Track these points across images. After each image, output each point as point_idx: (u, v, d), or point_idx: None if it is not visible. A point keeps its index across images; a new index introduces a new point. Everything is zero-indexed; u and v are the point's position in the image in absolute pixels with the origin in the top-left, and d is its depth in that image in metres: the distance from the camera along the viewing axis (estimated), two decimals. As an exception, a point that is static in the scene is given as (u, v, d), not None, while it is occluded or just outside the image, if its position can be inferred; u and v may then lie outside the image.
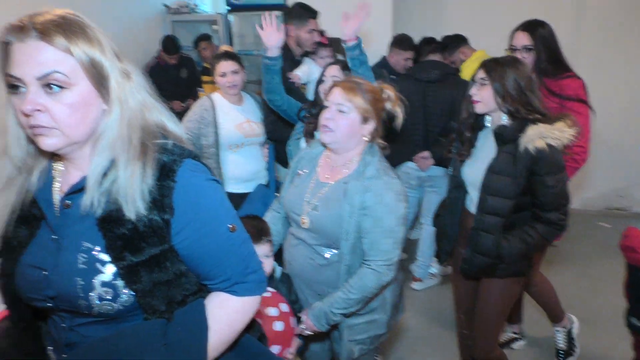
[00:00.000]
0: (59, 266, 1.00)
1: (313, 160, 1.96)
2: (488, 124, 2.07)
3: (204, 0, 5.58)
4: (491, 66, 1.96)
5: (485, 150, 2.05)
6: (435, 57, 3.46)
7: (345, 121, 1.78)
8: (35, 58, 0.91)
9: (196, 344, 1.02)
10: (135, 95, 1.02)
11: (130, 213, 0.96)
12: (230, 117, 2.85)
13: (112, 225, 0.98)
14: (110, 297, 0.99)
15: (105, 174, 0.98)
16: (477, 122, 2.09)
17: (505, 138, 1.94)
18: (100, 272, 0.98)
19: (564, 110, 2.28)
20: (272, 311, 1.71)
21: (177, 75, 4.81)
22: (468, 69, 3.74)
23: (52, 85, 0.92)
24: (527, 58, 2.41)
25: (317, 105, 2.50)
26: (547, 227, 1.95)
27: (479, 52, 3.86)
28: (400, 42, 3.80)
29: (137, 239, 0.99)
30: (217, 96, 2.90)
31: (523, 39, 2.44)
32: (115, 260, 0.98)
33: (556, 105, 2.36)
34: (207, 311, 1.07)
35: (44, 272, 1.02)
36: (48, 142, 0.95)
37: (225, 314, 1.09)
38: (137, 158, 0.98)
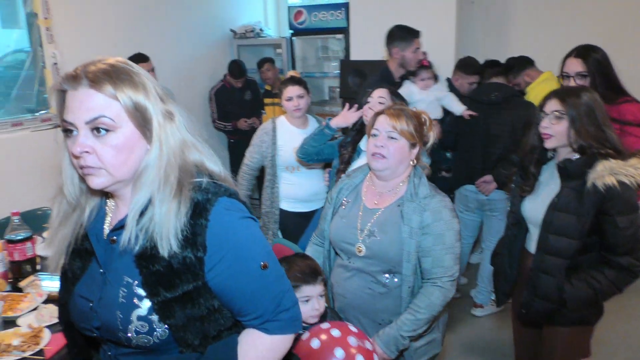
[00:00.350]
0: (103, 299, 1.06)
1: (355, 189, 1.96)
2: (552, 157, 1.94)
3: (268, 24, 5.77)
4: (567, 97, 1.81)
5: (548, 185, 1.91)
6: (499, 79, 3.39)
7: (396, 147, 1.79)
8: (85, 104, 0.97)
9: None
10: (175, 135, 1.05)
11: (163, 251, 0.99)
12: (290, 139, 2.94)
13: (147, 262, 1.02)
14: (146, 331, 1.02)
15: (143, 212, 1.01)
16: (542, 155, 1.95)
17: (571, 173, 1.80)
18: (138, 306, 1.02)
19: (625, 135, 2.13)
20: (368, 345, 1.65)
21: (241, 97, 4.97)
22: (534, 91, 3.61)
23: (99, 129, 0.97)
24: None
25: (355, 129, 2.51)
26: (618, 272, 1.77)
27: (546, 73, 3.72)
28: (466, 66, 3.77)
29: (171, 276, 1.01)
30: (281, 119, 3.04)
31: (576, 66, 2.31)
32: (150, 296, 1.02)
33: (617, 131, 2.21)
34: (239, 348, 1.09)
35: (90, 304, 1.07)
36: (96, 181, 1.01)
37: (255, 352, 1.10)
38: (173, 196, 1.01)
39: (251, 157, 3.03)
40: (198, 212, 1.02)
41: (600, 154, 1.75)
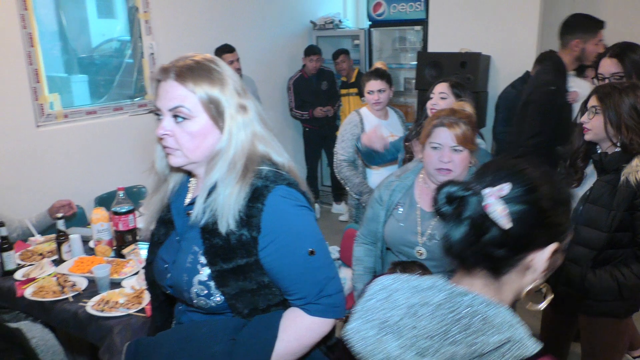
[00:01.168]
0: (176, 262, 1.22)
1: (408, 192, 1.97)
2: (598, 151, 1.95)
3: (347, 16, 5.87)
4: (605, 93, 1.83)
5: (591, 178, 1.93)
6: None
7: (461, 158, 1.81)
8: (170, 94, 1.14)
9: (262, 347, 1.15)
10: (247, 127, 1.18)
11: (222, 228, 1.13)
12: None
13: (210, 235, 1.16)
14: (204, 294, 1.17)
15: (210, 192, 1.15)
16: (590, 149, 1.95)
17: (606, 166, 1.81)
18: (199, 272, 1.17)
19: None
20: None
21: (318, 87, 5.12)
22: None
23: (178, 116, 1.14)
24: None
25: (419, 123, 2.53)
26: None
27: None
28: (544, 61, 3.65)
29: (228, 250, 1.15)
30: (364, 111, 3.12)
31: (611, 67, 2.23)
32: (210, 264, 1.16)
33: None
34: (282, 322, 1.18)
35: (166, 265, 1.25)
36: (173, 160, 1.18)
37: (295, 328, 1.18)
38: (237, 182, 1.14)
39: (345, 152, 3.05)
40: (256, 197, 1.14)
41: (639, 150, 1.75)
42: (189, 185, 1.30)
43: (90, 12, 3.87)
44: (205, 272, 1.17)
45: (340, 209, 5.45)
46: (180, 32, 4.05)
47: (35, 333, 1.67)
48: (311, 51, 5.00)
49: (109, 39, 4.06)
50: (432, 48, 4.57)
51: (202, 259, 1.17)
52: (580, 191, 1.94)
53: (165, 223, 1.31)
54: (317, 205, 5.51)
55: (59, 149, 3.40)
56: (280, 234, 1.15)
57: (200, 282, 1.17)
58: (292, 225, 1.17)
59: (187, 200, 1.27)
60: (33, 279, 2.21)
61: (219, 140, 1.16)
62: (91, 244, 2.60)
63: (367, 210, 2.08)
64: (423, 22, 4.85)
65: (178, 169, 1.26)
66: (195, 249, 1.19)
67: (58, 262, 2.40)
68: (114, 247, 2.50)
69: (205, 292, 1.17)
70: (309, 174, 5.47)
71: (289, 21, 5.29)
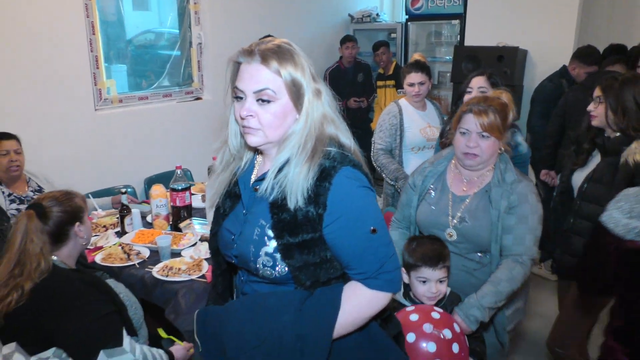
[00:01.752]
0: (242, 234, 1.28)
1: (441, 177, 2.04)
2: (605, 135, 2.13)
3: (384, 10, 5.97)
4: (608, 84, 2.03)
5: (595, 161, 2.12)
6: (616, 68, 3.29)
7: (487, 145, 1.87)
8: (255, 77, 1.18)
9: (326, 317, 1.20)
10: (319, 110, 1.23)
11: (291, 204, 1.18)
12: (415, 122, 3.14)
13: (278, 210, 1.20)
14: (270, 265, 1.22)
15: (281, 169, 1.20)
16: (598, 134, 2.13)
17: (608, 149, 1.99)
18: (266, 244, 1.22)
19: None
20: (447, 333, 1.65)
21: (354, 79, 5.25)
22: None
23: (263, 99, 1.18)
24: None
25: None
26: None
27: None
28: (585, 55, 3.66)
29: (295, 225, 1.19)
30: (403, 102, 3.22)
31: None
32: (277, 238, 1.21)
33: None
34: (343, 295, 1.23)
35: (232, 236, 1.31)
36: (253, 139, 1.22)
37: (356, 300, 1.23)
38: (306, 161, 1.18)
39: (383, 141, 3.14)
40: (324, 176, 1.18)
41: (639, 135, 1.92)
42: (255, 162, 1.36)
43: (142, 4, 4.09)
44: (272, 245, 1.22)
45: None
46: (226, 23, 4.23)
47: (121, 289, 1.87)
48: (347, 39, 5.13)
49: (160, 31, 4.25)
50: (469, 42, 4.65)
51: (269, 232, 1.22)
52: (585, 171, 2.13)
53: (232, 196, 1.37)
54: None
55: (113, 132, 3.62)
56: (345, 212, 1.19)
57: (267, 254, 1.22)
58: (356, 204, 1.21)
59: (254, 177, 1.33)
60: (101, 247, 2.42)
61: (295, 121, 1.22)
62: (148, 218, 2.81)
63: (402, 195, 2.17)
64: (460, 17, 4.93)
65: (250, 147, 1.31)
66: (262, 222, 1.24)
67: (120, 233, 2.61)
68: (170, 222, 2.69)
69: (271, 263, 1.22)
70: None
71: (328, 14, 5.43)
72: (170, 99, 4.04)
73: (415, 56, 3.31)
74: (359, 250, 1.22)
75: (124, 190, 2.68)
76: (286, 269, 1.22)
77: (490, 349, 1.96)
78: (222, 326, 1.25)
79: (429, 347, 1.60)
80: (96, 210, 2.88)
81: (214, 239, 1.42)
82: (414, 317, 1.67)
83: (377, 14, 5.64)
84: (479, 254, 1.93)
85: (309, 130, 1.20)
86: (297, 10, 4.97)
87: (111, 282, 1.89)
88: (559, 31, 4.11)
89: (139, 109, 3.81)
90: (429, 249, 1.84)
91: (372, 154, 3.19)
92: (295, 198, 1.17)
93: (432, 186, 2.04)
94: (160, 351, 1.84)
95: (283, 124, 1.21)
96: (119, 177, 3.56)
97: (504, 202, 1.85)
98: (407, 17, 5.40)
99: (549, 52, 4.14)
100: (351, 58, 5.18)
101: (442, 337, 1.62)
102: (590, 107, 2.09)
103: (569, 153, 2.36)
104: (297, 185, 1.17)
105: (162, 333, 2.07)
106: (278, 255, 1.22)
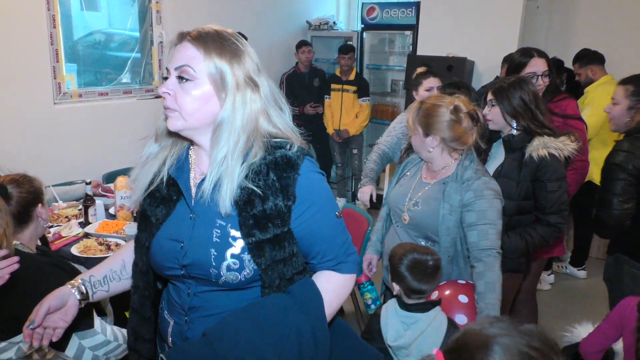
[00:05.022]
0: (195, 238, 1.16)
1: (419, 164, 2.19)
2: (501, 136, 2.31)
3: (340, 18, 6.19)
4: (497, 89, 2.23)
5: (497, 158, 2.31)
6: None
7: (413, 139, 2.09)
8: (180, 54, 1.12)
9: (318, 307, 1.18)
10: (256, 104, 1.15)
11: (223, 209, 1.11)
12: None
13: (245, 206, 1.13)
14: (236, 268, 1.14)
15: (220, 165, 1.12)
16: (492, 135, 2.35)
17: (513, 146, 2.21)
18: (232, 245, 1.14)
19: (567, 128, 2.46)
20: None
21: (310, 84, 5.40)
22: (592, 94, 3.79)
23: (183, 77, 1.11)
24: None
25: None
26: (546, 228, 2.16)
27: (605, 77, 3.88)
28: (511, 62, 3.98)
29: (265, 220, 1.13)
30: None
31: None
32: (246, 236, 1.13)
33: (560, 124, 2.52)
34: (319, 286, 1.21)
35: (181, 244, 1.18)
36: (172, 123, 1.14)
37: (332, 287, 1.23)
38: (240, 156, 1.12)
39: (387, 144, 3.10)
40: (291, 166, 1.15)
41: (537, 132, 2.16)
42: (189, 158, 1.25)
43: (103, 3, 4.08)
44: (239, 245, 1.14)
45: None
46: (188, 23, 4.24)
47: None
48: (303, 43, 5.26)
49: (121, 28, 4.26)
50: (420, 52, 4.90)
51: (234, 232, 1.15)
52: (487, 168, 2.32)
53: (165, 202, 1.23)
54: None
55: (72, 127, 3.60)
56: (315, 201, 1.18)
57: (233, 256, 1.14)
58: (323, 191, 1.22)
59: (194, 176, 1.23)
60: (63, 237, 2.44)
61: (220, 109, 1.14)
62: (111, 210, 2.83)
63: None
64: (413, 27, 5.20)
65: (178, 137, 1.22)
66: (221, 222, 1.15)
67: (84, 224, 2.63)
68: (134, 214, 2.73)
69: (238, 265, 1.14)
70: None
71: (287, 20, 5.58)
72: (130, 95, 4.05)
73: (419, 70, 3.29)
74: (329, 236, 1.22)
75: (88, 180, 2.70)
76: (253, 269, 1.15)
77: None
78: (231, 351, 1.08)
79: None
80: (57, 201, 2.87)
81: (145, 254, 1.26)
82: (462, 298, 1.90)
83: (334, 22, 5.84)
84: (425, 241, 2.05)
85: (242, 123, 1.13)
86: (257, 14, 5.09)
87: (80, 267, 1.92)
88: (503, 43, 4.41)
89: (98, 105, 3.80)
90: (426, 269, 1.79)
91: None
92: (224, 203, 1.11)
93: (408, 172, 2.21)
94: (130, 332, 1.89)
95: (204, 107, 1.13)
96: (78, 172, 3.54)
97: (456, 197, 1.95)
98: (362, 26, 5.61)
99: (494, 63, 4.43)
100: (307, 62, 5.31)
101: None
102: (485, 110, 2.25)
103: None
104: (228, 184, 1.11)
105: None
106: (247, 256, 1.14)
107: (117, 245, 2.37)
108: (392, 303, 1.80)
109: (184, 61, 1.11)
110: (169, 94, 1.13)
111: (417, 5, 5.04)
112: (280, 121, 1.21)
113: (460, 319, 1.83)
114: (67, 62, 3.72)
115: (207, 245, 1.15)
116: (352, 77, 5.23)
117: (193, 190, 1.21)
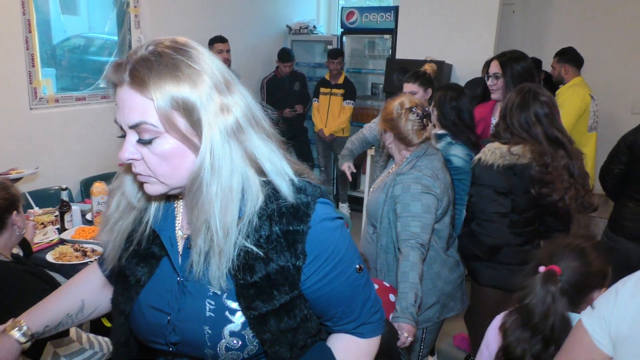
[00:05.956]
0: (184, 311, 0.94)
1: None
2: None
3: (320, 23, 6.22)
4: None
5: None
6: None
7: (381, 137, 2.22)
8: (127, 105, 0.84)
9: None
10: (233, 134, 0.87)
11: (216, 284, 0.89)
12: None
13: (245, 274, 0.90)
14: (238, 347, 0.92)
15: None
16: None
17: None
18: (230, 321, 0.92)
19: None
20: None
21: (290, 88, 5.42)
22: (563, 96, 3.86)
23: (142, 138, 0.85)
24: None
25: None
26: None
27: (577, 78, 3.94)
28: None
29: (270, 288, 0.91)
30: None
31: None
32: (246, 309, 0.91)
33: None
34: (336, 355, 1.02)
35: (167, 317, 0.95)
36: (150, 189, 0.91)
37: (352, 357, 1.03)
38: (234, 221, 0.87)
39: (369, 131, 3.20)
40: (299, 218, 0.91)
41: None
42: (175, 206, 1.01)
43: (82, 6, 4.05)
44: (238, 320, 0.92)
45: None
46: (167, 27, 4.27)
47: (62, 280, 1.89)
48: (286, 58, 5.25)
49: (99, 33, 4.21)
50: (399, 55, 4.96)
51: (231, 303, 0.92)
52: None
53: (146, 258, 0.99)
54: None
55: (49, 132, 3.56)
56: (329, 257, 0.94)
57: (233, 334, 0.92)
58: (339, 244, 0.96)
59: (180, 228, 0.99)
60: (38, 243, 2.41)
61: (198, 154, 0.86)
62: (88, 216, 2.81)
63: None
64: (392, 32, 5.25)
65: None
66: (214, 291, 0.92)
67: (60, 230, 2.60)
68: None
69: (240, 344, 0.92)
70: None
71: (267, 24, 5.58)
72: (108, 100, 4.01)
73: (426, 66, 3.32)
74: (349, 295, 1.00)
75: (64, 186, 2.67)
76: (258, 345, 0.94)
77: None
78: None
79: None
80: (32, 208, 2.84)
81: (124, 323, 1.02)
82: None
83: (314, 26, 5.87)
84: (372, 229, 2.20)
85: (225, 165, 0.86)
86: (237, 18, 5.09)
87: (57, 275, 1.91)
88: (479, 47, 4.49)
89: (76, 110, 3.76)
90: None
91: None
92: (217, 279, 0.89)
93: (390, 166, 2.32)
94: (106, 339, 1.88)
95: (182, 164, 0.87)
96: (55, 177, 3.50)
97: (391, 190, 2.08)
98: (342, 30, 5.65)
99: (471, 66, 4.50)
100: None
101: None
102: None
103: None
104: (223, 256, 0.87)
105: (106, 322, 2.10)
106: (249, 332, 0.92)
107: (93, 251, 2.35)
108: None
109: (136, 118, 0.84)
110: (135, 159, 0.88)
111: (396, 9, 5.09)
112: (270, 144, 0.94)
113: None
114: (45, 67, 3.67)
115: (199, 321, 0.92)
116: (340, 80, 5.30)
117: (180, 245, 0.97)
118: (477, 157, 2.15)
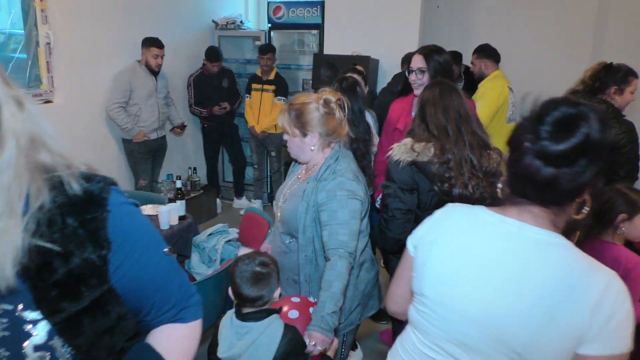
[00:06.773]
0: None
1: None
2: None
3: (248, 18, 6.09)
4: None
5: None
6: None
7: (291, 143, 2.04)
8: None
9: None
10: (27, 126, 0.82)
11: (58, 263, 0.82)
12: None
13: (42, 274, 0.81)
14: None
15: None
16: None
17: None
18: (30, 334, 0.82)
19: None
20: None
21: (219, 85, 5.26)
22: (483, 87, 3.98)
23: None
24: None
25: None
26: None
27: (496, 71, 4.07)
28: (403, 62, 4.18)
29: (75, 284, 0.83)
30: None
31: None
32: (50, 315, 0.82)
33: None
34: (158, 348, 0.98)
35: None
36: None
37: (177, 344, 1.01)
38: (18, 207, 0.79)
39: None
40: (95, 204, 0.86)
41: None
42: None
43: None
44: (42, 330, 0.82)
45: (241, 204, 5.66)
46: (78, 23, 4.03)
47: None
48: (215, 58, 5.08)
49: (2, 27, 3.93)
50: (327, 51, 4.94)
51: (30, 314, 0.82)
52: None
53: None
54: (218, 201, 5.65)
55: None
56: (137, 241, 0.92)
57: (38, 348, 0.82)
58: (144, 226, 0.95)
59: None
60: None
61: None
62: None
63: None
64: (319, 27, 5.21)
65: None
66: (5, 306, 0.81)
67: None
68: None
69: (49, 357, 0.83)
70: (209, 170, 5.59)
71: (191, 19, 5.39)
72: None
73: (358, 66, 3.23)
74: (163, 280, 0.98)
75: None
76: (71, 355, 0.84)
77: None
78: None
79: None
80: None
81: None
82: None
83: (242, 22, 5.73)
84: (289, 238, 2.06)
85: (17, 160, 0.79)
86: (160, 15, 4.88)
87: None
88: (404, 42, 4.54)
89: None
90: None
91: None
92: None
93: (299, 171, 2.18)
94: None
95: None
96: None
97: (313, 197, 1.95)
98: (269, 25, 5.55)
99: (397, 60, 4.54)
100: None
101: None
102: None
103: None
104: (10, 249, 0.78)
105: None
106: (58, 341, 0.83)
107: None
108: (230, 313, 1.73)
109: None
110: None
111: (322, 4, 5.06)
112: (54, 141, 0.87)
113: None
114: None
115: None
116: (271, 77, 5.19)
117: None
118: (388, 153, 2.12)
